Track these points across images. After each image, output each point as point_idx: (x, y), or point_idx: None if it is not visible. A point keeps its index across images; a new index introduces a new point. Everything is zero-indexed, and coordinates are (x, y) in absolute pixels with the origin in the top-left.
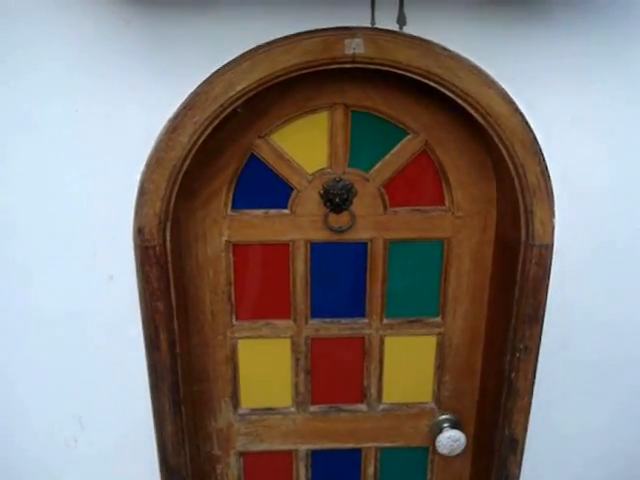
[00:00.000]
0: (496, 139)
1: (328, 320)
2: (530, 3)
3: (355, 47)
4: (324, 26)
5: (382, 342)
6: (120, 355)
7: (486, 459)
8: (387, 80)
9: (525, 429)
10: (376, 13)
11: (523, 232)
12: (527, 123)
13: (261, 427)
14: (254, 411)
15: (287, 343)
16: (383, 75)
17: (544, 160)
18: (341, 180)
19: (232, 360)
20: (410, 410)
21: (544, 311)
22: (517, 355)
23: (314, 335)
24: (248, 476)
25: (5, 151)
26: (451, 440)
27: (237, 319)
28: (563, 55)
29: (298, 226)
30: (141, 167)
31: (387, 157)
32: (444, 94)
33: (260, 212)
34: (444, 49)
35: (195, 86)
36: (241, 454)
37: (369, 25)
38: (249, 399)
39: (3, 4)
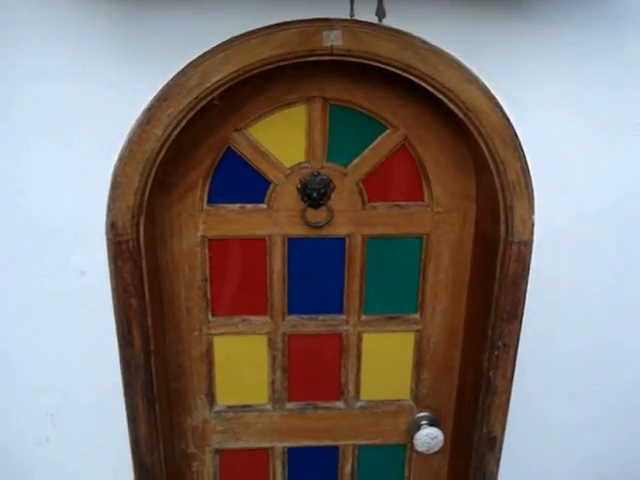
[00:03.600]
0: (476, 135)
1: (305, 316)
2: None
3: (333, 39)
4: (301, 17)
5: (360, 339)
6: (93, 352)
7: (464, 457)
8: (366, 74)
9: (503, 427)
10: (355, 5)
11: (503, 228)
12: (508, 119)
13: (237, 424)
14: (230, 408)
15: (264, 339)
16: (362, 68)
17: (524, 156)
18: (319, 175)
19: (208, 357)
20: (388, 407)
21: (523, 308)
22: (496, 352)
23: (291, 331)
24: (224, 474)
25: None
26: (429, 438)
27: (213, 315)
28: (544, 50)
29: (275, 221)
30: (114, 160)
31: (366, 152)
32: (424, 89)
33: (236, 207)
34: (424, 43)
35: (169, 77)
36: (217, 452)
37: (348, 17)
38: (225, 396)
39: None
